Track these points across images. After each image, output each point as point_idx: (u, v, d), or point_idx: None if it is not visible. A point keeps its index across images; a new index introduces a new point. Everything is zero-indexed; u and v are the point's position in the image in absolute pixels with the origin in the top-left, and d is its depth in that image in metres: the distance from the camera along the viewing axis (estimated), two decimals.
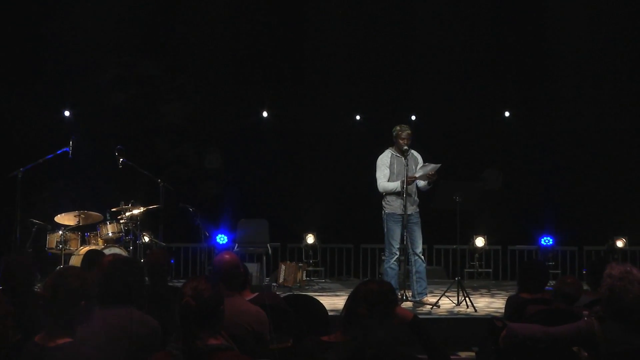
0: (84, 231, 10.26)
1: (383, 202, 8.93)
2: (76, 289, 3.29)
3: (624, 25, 12.42)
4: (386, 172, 8.87)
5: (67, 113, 12.58)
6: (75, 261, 9.16)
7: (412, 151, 8.95)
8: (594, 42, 12.53)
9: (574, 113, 12.80)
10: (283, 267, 11.06)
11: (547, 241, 12.37)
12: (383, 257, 9.60)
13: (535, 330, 4.09)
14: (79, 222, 10.16)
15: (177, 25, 12.79)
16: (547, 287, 5.91)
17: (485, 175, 8.68)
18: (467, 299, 8.59)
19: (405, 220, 8.65)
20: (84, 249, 9.36)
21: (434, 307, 8.57)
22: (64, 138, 10.37)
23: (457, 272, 9.34)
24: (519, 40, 12.73)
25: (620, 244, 12.22)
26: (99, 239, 10.09)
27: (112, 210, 10.22)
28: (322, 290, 10.90)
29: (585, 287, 5.84)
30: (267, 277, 11.20)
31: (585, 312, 4.48)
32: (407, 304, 8.54)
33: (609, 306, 3.97)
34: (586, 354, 4.14)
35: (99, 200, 10.75)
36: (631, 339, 3.86)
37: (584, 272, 6.59)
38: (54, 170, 11.02)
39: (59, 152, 10.16)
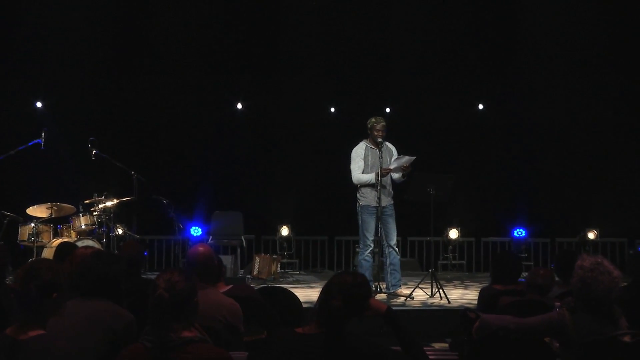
0: (57, 223, 10.19)
1: (357, 194, 8.95)
2: (48, 281, 3.27)
3: (597, 18, 12.51)
4: (360, 164, 8.89)
5: (39, 104, 12.45)
6: (48, 253, 9.09)
7: (387, 143, 8.97)
8: (567, 35, 12.61)
9: (546, 106, 12.89)
10: (257, 259, 11.05)
11: (519, 233, 12.49)
12: (357, 249, 9.63)
13: (507, 321, 4.13)
14: (51, 214, 10.08)
15: (149, 15, 12.68)
16: (519, 279, 5.97)
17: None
18: (440, 290, 8.64)
19: (379, 213, 8.68)
20: (57, 241, 9.30)
21: (408, 298, 8.61)
22: (36, 129, 10.28)
23: (430, 264, 9.39)
24: (492, 33, 12.78)
25: (591, 235, 12.36)
26: (72, 231, 10.02)
27: (85, 202, 10.15)
28: (297, 282, 10.91)
29: (556, 278, 5.89)
30: (241, 269, 11.19)
31: (557, 303, 4.52)
32: (381, 296, 8.58)
33: (580, 297, 4.02)
34: (558, 344, 4.18)
35: (72, 192, 10.67)
36: (601, 329, 3.91)
37: (552, 267, 6.64)
38: (25, 161, 10.92)
39: (30, 143, 10.08)
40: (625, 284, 5.17)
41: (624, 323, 4.02)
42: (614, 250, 12.52)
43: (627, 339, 3.89)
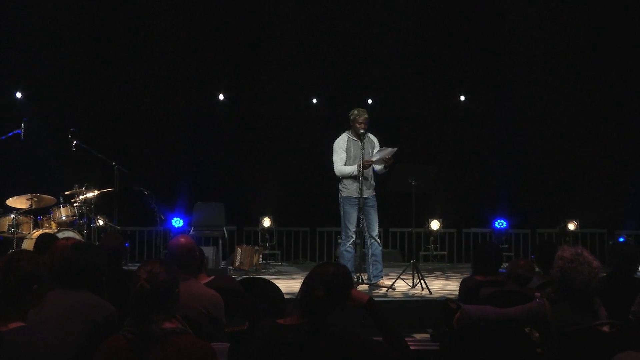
0: (37, 214, 10.11)
1: (340, 186, 8.95)
2: (28, 273, 3.25)
3: (578, 10, 12.59)
4: (343, 155, 8.89)
5: (18, 94, 12.35)
6: (28, 245, 9.04)
7: (369, 135, 8.98)
8: (548, 27, 12.67)
9: (527, 97, 12.95)
10: (239, 250, 11.03)
11: (500, 224, 12.55)
12: (339, 241, 9.64)
13: (488, 311, 4.15)
14: (31, 205, 10.00)
15: (131, 5, 12.61)
16: (500, 270, 6.01)
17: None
18: (422, 281, 8.67)
19: (361, 204, 8.69)
20: (37, 233, 9.24)
21: (390, 289, 8.63)
22: (15, 120, 10.19)
23: (412, 254, 9.41)
24: (474, 24, 12.81)
25: (571, 226, 12.44)
26: (52, 223, 9.95)
27: (66, 193, 10.07)
28: (279, 273, 10.92)
29: (537, 269, 5.93)
30: (223, 260, 11.18)
31: (537, 294, 4.55)
32: (363, 287, 8.60)
33: (560, 287, 4.05)
34: (538, 334, 4.21)
35: (52, 184, 10.59)
36: (581, 319, 3.94)
37: (533, 257, 6.70)
38: (5, 152, 10.83)
39: (10, 134, 10.00)
40: (605, 274, 5.22)
41: (604, 313, 4.06)
42: (593, 241, 12.60)
43: (606, 329, 3.92)
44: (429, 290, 8.56)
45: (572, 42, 12.65)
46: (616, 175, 12.70)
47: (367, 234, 8.88)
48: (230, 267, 10.80)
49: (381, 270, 9.01)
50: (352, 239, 8.90)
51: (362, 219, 8.74)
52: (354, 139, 8.90)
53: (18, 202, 10.08)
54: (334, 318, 3.38)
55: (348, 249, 8.88)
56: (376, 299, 5.63)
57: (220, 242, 11.11)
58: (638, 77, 12.82)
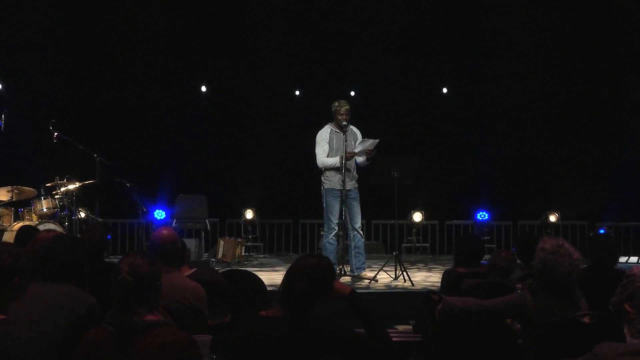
0: (18, 207, 10.04)
1: (322, 178, 8.95)
2: (9, 266, 3.23)
3: (559, 3, 12.64)
4: (325, 147, 8.89)
5: None
6: (9, 237, 8.97)
7: (351, 127, 8.98)
8: (529, 20, 12.71)
9: (509, 90, 12.99)
10: (222, 242, 11.02)
11: (482, 216, 12.61)
12: (322, 233, 9.66)
13: (470, 303, 4.17)
14: (12, 197, 9.94)
15: None
16: (482, 261, 6.04)
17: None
18: (404, 273, 8.70)
19: (344, 196, 8.69)
20: (18, 225, 9.18)
21: (372, 281, 8.65)
22: None
23: (395, 246, 9.44)
24: (456, 17, 12.83)
25: (553, 218, 12.52)
26: (33, 215, 9.88)
27: (47, 185, 10.02)
28: (261, 265, 10.92)
29: (518, 261, 5.97)
30: (205, 252, 11.16)
31: (519, 285, 4.58)
32: (345, 279, 8.61)
33: (541, 279, 4.07)
34: (519, 325, 4.24)
35: (33, 175, 10.52)
36: (562, 310, 3.97)
37: (514, 249, 6.73)
38: None
39: None
40: (586, 265, 5.26)
41: (584, 304, 4.09)
42: (574, 232, 12.69)
43: (586, 320, 3.95)
44: (411, 282, 8.59)
45: (554, 35, 12.70)
46: (597, 167, 12.78)
47: (349, 226, 8.89)
48: (213, 259, 10.78)
49: (364, 262, 9.03)
50: (335, 231, 8.91)
51: (345, 211, 8.75)
52: (337, 130, 8.90)
53: None
54: (316, 310, 3.39)
55: (330, 241, 8.88)
56: (359, 290, 5.64)
57: (203, 234, 11.09)
58: (619, 70, 12.90)
